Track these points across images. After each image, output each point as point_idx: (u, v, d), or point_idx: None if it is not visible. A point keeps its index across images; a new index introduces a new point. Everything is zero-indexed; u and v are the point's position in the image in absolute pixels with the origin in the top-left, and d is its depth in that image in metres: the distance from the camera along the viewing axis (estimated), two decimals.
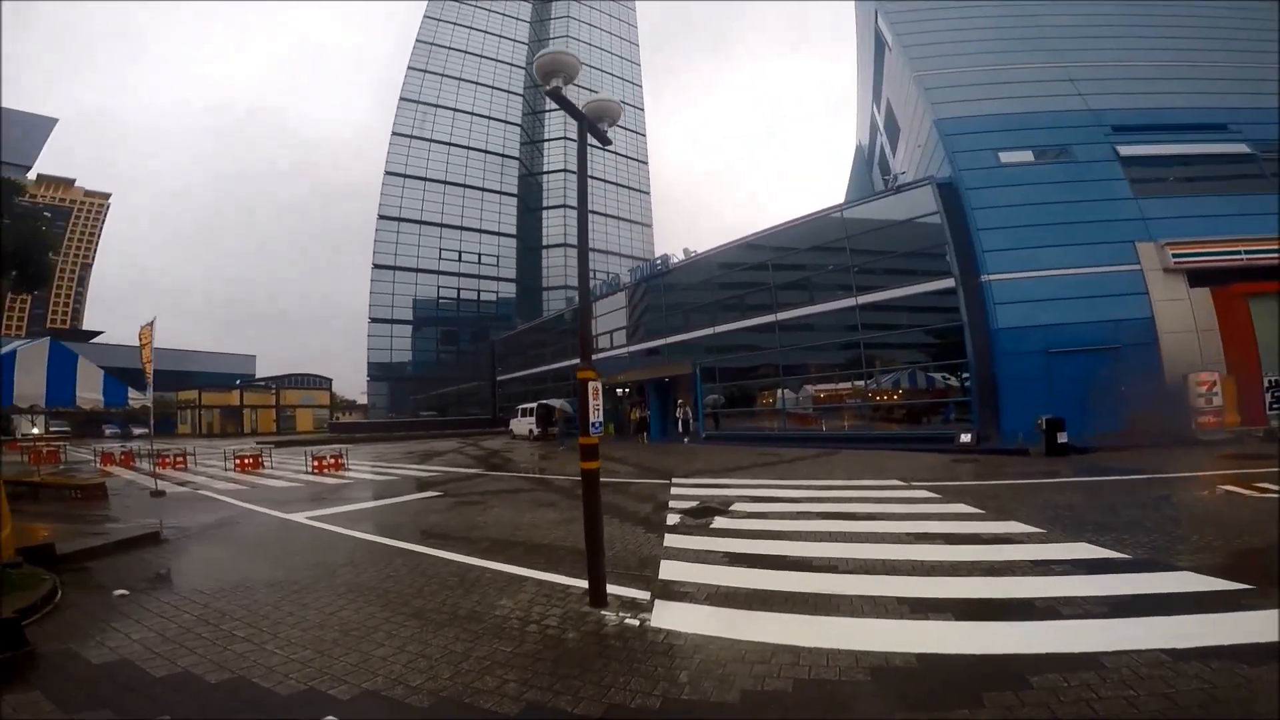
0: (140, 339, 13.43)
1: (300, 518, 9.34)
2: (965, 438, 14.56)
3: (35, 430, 53.47)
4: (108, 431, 60.10)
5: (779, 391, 21.04)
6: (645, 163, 71.21)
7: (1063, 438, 12.56)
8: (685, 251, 26.53)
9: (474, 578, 5.61)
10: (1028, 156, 18.66)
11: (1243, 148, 17.64)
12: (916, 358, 17.93)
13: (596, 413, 4.99)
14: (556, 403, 27.27)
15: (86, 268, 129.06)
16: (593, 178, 63.08)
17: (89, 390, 11.33)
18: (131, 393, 12.91)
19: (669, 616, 4.38)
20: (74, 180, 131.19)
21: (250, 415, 69.80)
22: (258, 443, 36.30)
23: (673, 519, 7.94)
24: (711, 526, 7.42)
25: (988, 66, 20.58)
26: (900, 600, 4.50)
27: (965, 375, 16.50)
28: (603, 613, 4.51)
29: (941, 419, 17.28)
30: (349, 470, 16.45)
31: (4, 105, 66.65)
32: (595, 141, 5.78)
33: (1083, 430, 13.39)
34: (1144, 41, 20.59)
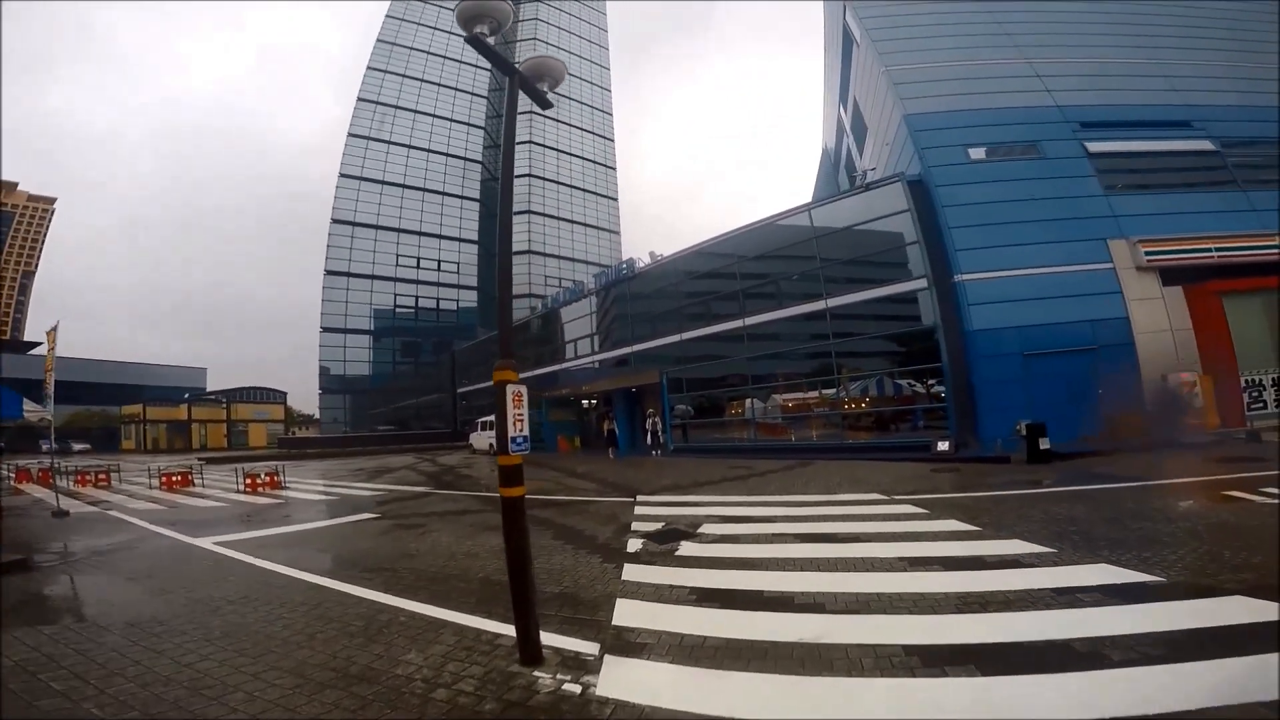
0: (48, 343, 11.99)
1: (207, 543, 8.15)
2: (943, 445, 13.95)
3: None
4: (44, 447, 56.07)
5: (747, 401, 20.30)
6: (613, 168, 70.52)
7: (1045, 443, 11.99)
8: (652, 255, 25.68)
9: (384, 622, 4.56)
10: (997, 154, 18.39)
11: (1207, 144, 17.69)
12: (886, 364, 17.34)
13: (520, 424, 4.01)
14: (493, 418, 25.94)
15: (29, 275, 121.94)
16: (557, 182, 62.29)
17: None
18: (28, 405, 11.50)
19: (620, 679, 3.40)
20: (16, 184, 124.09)
21: (199, 430, 66.26)
22: (199, 459, 34.11)
23: (634, 545, 6.92)
24: (678, 554, 6.43)
25: (957, 62, 20.38)
26: (907, 649, 3.58)
27: (935, 381, 15.96)
28: (535, 674, 3.51)
29: (910, 426, 16.75)
30: (286, 489, 15.00)
31: None
32: (536, 108, 4.99)
33: (1064, 435, 12.89)
34: (1110, 40, 20.73)
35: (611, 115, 73.71)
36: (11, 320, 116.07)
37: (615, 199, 68.90)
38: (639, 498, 10.61)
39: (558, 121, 65.08)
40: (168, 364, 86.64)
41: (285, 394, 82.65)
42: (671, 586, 5.23)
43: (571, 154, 65.36)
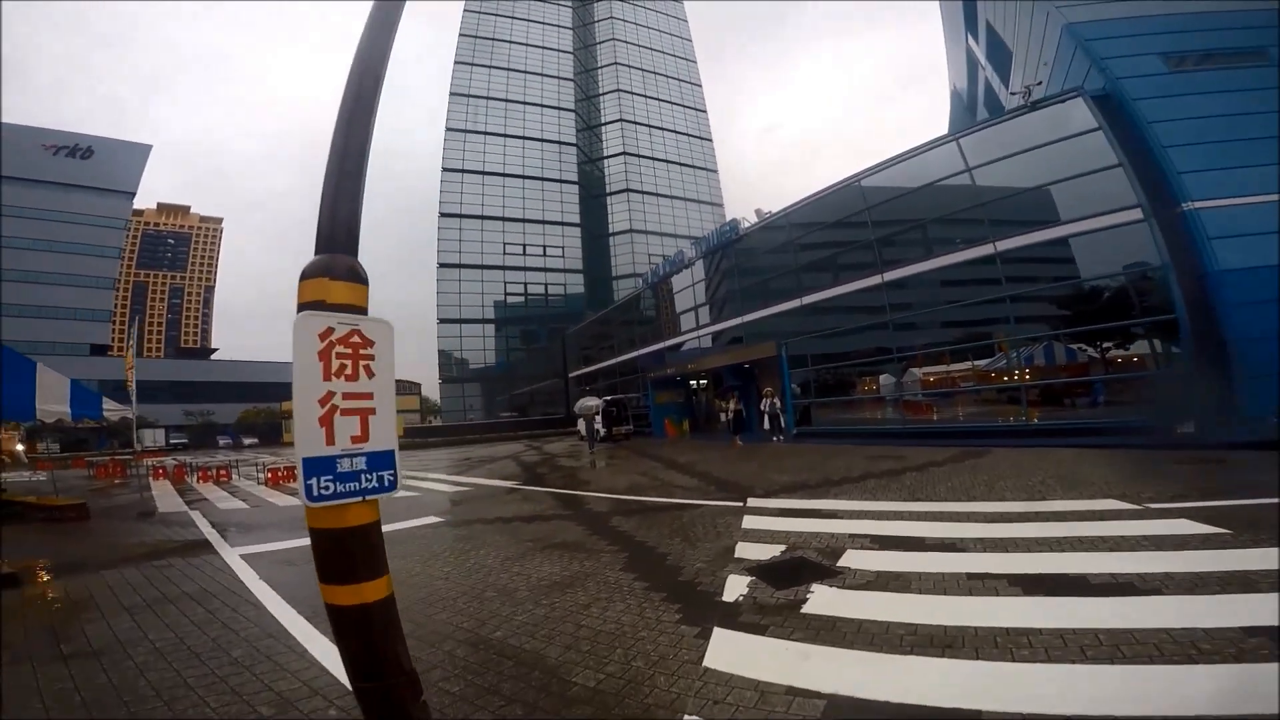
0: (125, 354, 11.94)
1: (235, 554, 7.03)
2: (1187, 427, 9.98)
3: (154, 443, 58.40)
4: (221, 442, 64.63)
5: (881, 377, 16.95)
6: (709, 140, 66.96)
7: None
8: (758, 213, 22.69)
9: None
10: (1205, 62, 14.06)
11: None
12: (1065, 323, 13.22)
13: (366, 422, 1.89)
14: (593, 401, 24.20)
15: (210, 289, 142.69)
16: (654, 158, 60.05)
17: (52, 402, 9.83)
18: (108, 404, 11.47)
19: None
20: (189, 207, 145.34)
21: None
22: None
23: (736, 586, 4.58)
24: (805, 609, 4.01)
25: None
26: None
27: (1157, 341, 11.74)
28: None
29: (1090, 401, 12.74)
30: None
31: (101, 135, 72.54)
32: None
33: None
34: None
35: (700, 86, 70.19)
36: (200, 330, 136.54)
37: (715, 171, 65.34)
38: (750, 501, 8.17)
39: (647, 98, 62.95)
40: None
41: (419, 385, 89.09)
42: (791, 693, 2.87)
43: (664, 129, 62.88)
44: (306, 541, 6.66)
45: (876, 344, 16.98)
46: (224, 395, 72.41)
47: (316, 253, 2.02)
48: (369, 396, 2.02)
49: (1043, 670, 2.98)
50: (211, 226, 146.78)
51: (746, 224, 22.58)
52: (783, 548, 5.59)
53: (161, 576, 6.10)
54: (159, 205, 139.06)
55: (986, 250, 14.09)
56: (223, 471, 17.98)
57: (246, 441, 64.69)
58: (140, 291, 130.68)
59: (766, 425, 17.20)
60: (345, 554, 1.93)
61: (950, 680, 2.95)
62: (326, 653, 3.76)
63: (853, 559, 5.04)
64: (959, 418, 15.33)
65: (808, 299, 18.39)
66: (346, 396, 1.94)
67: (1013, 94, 20.15)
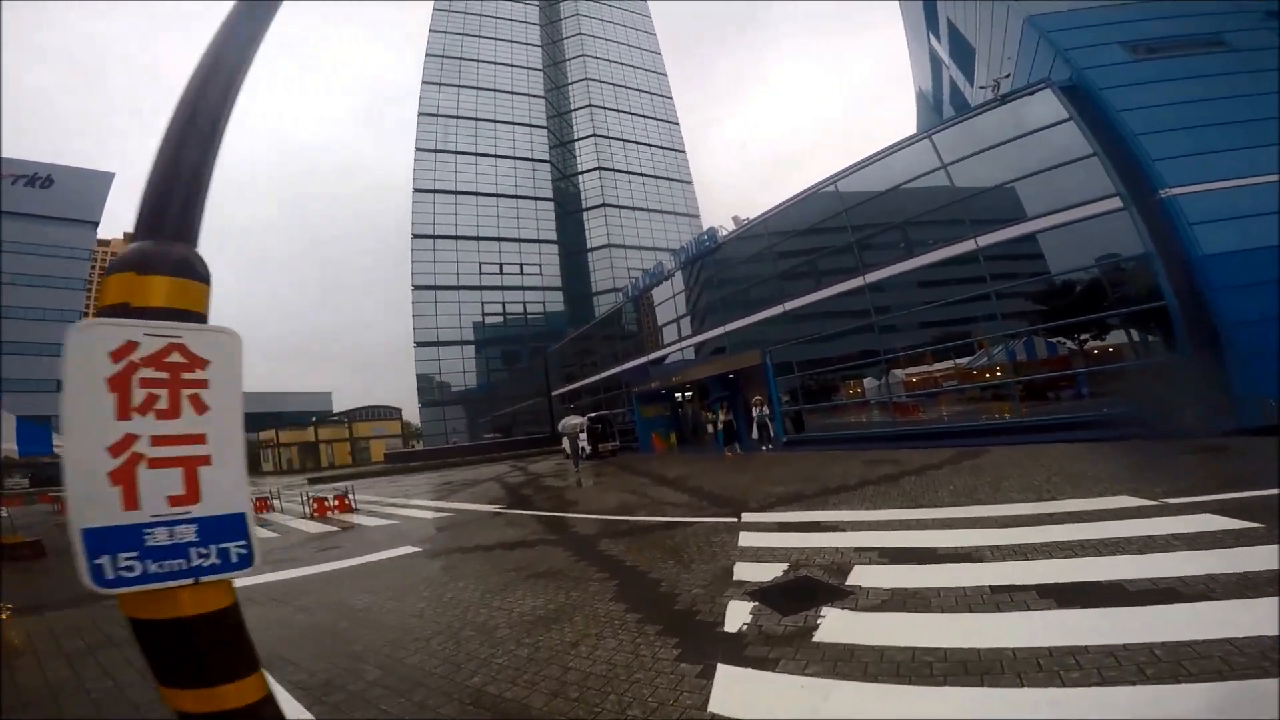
0: None
1: None
2: (1185, 416, 9.78)
3: None
4: None
5: (865, 380, 16.78)
6: (682, 151, 67.40)
7: None
8: (736, 220, 22.53)
9: None
10: (1165, 51, 14.20)
11: None
12: (1046, 317, 13.12)
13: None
14: (576, 419, 23.69)
15: None
16: (629, 172, 60.20)
17: None
18: (58, 439, 10.74)
19: None
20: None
21: (326, 450, 71.57)
22: (309, 478, 35.38)
23: (738, 614, 4.13)
24: (818, 638, 3.57)
25: None
26: None
27: (1120, 333, 11.66)
28: None
29: (1071, 394, 12.69)
30: (354, 512, 13.67)
31: (62, 164, 70.78)
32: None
33: None
34: None
35: (671, 99, 70.95)
36: None
37: (689, 182, 65.67)
38: (746, 516, 7.73)
39: (620, 112, 63.42)
40: (298, 391, 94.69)
41: (400, 410, 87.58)
42: None
43: (638, 142, 63.25)
44: (273, 577, 6.10)
45: (861, 347, 16.75)
46: None
47: (134, 239, 1.51)
48: (198, 439, 1.49)
49: (1104, 696, 2.57)
50: None
51: (725, 232, 22.42)
52: (785, 566, 5.15)
53: (111, 618, 5.47)
54: (125, 235, 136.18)
55: (968, 246, 13.98)
56: None
57: None
58: None
59: (756, 434, 16.84)
60: (188, 650, 1.42)
61: (997, 714, 2.53)
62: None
63: (862, 576, 4.62)
64: (944, 418, 15.10)
65: (790, 305, 18.16)
66: (160, 441, 1.41)
67: (981, 88, 20.39)
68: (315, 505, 13.89)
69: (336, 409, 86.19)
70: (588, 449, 23.23)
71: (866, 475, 9.95)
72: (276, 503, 16.46)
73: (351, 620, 5.08)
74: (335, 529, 11.36)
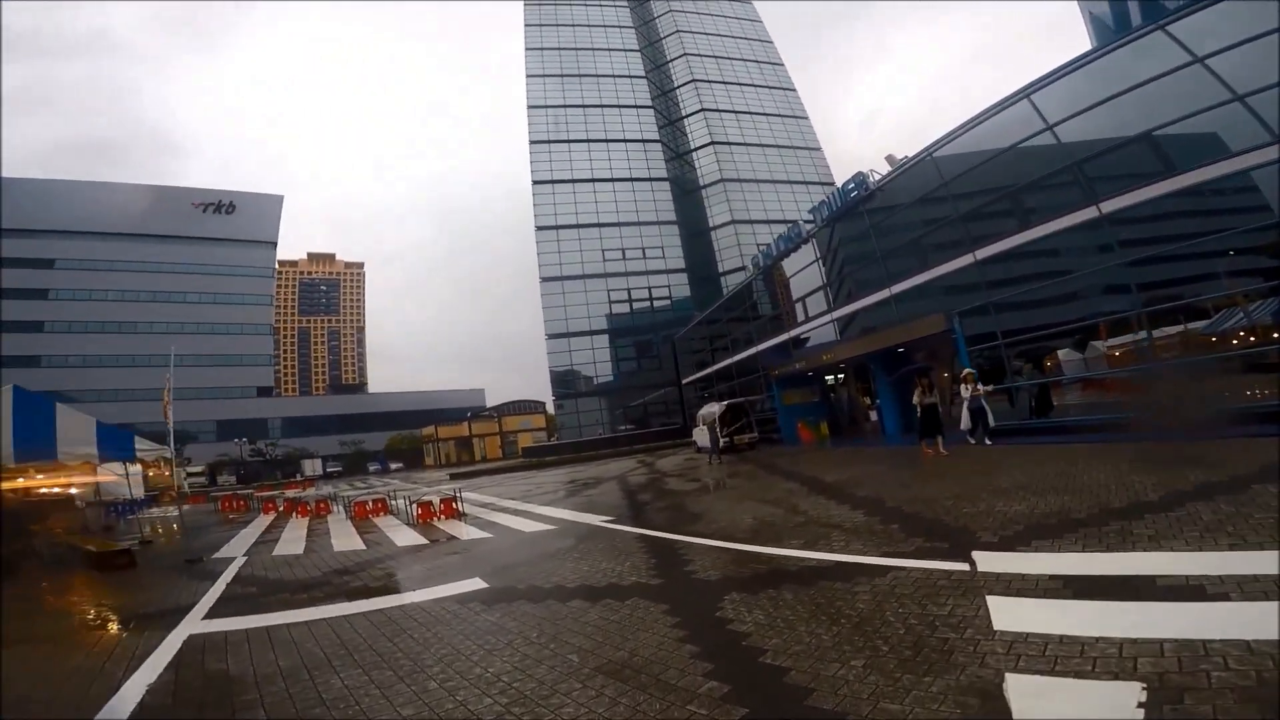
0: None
1: (187, 631, 5.43)
2: None
3: (314, 472, 63.88)
4: (371, 468, 69.77)
5: (1059, 353, 12.11)
6: (804, 117, 61.74)
7: None
8: (889, 160, 18.30)
9: None
10: None
11: None
12: None
13: None
14: (715, 407, 20.71)
15: (361, 330, 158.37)
16: (746, 144, 55.96)
17: (77, 444, 8.75)
18: (141, 444, 10.44)
19: None
20: (334, 254, 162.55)
21: (479, 444, 76.12)
22: (450, 473, 36.42)
23: None
24: None
25: None
26: None
27: None
28: None
29: None
30: (459, 518, 12.27)
31: (239, 189, 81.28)
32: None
33: None
34: None
35: (783, 65, 65.35)
36: (356, 368, 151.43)
37: (818, 149, 59.52)
38: (981, 558, 4.49)
39: (726, 84, 59.67)
40: (455, 389, 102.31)
41: (543, 404, 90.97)
42: None
43: (752, 112, 58.93)
44: (302, 616, 3.61)
45: (1091, 307, 12.09)
46: (375, 425, 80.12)
47: None
48: None
49: None
50: (355, 271, 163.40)
51: (876, 177, 18.29)
52: (1137, 692, 2.01)
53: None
54: (309, 255, 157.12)
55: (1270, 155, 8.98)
56: (322, 504, 16.93)
57: (393, 466, 69.43)
58: (304, 336, 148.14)
59: (968, 423, 12.45)
60: None
61: None
62: None
63: None
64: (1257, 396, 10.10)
65: (985, 251, 13.74)
66: None
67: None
68: (420, 511, 12.64)
69: (489, 404, 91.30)
70: (723, 440, 20.35)
71: (1168, 483, 6.07)
72: (395, 503, 15.68)
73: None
74: (424, 542, 9.79)
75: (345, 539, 11.16)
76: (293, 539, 11.92)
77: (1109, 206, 11.28)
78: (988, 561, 4.50)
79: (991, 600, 3.68)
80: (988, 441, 12.18)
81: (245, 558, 9.86)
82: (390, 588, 6.57)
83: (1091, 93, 11.84)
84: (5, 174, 65.81)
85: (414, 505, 12.97)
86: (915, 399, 12.13)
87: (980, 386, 12.28)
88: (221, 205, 79.50)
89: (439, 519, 12.51)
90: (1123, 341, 12.12)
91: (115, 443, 9.23)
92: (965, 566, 4.47)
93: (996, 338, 13.57)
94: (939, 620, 3.49)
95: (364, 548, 9.89)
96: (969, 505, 6.65)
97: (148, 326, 68.56)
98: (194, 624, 5.74)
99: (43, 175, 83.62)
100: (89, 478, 12.58)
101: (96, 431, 9.06)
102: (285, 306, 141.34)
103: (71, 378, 60.39)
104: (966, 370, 12.53)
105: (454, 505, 13.14)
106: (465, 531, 10.46)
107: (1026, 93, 13.02)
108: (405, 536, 10.66)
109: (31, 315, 64.15)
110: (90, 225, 69.82)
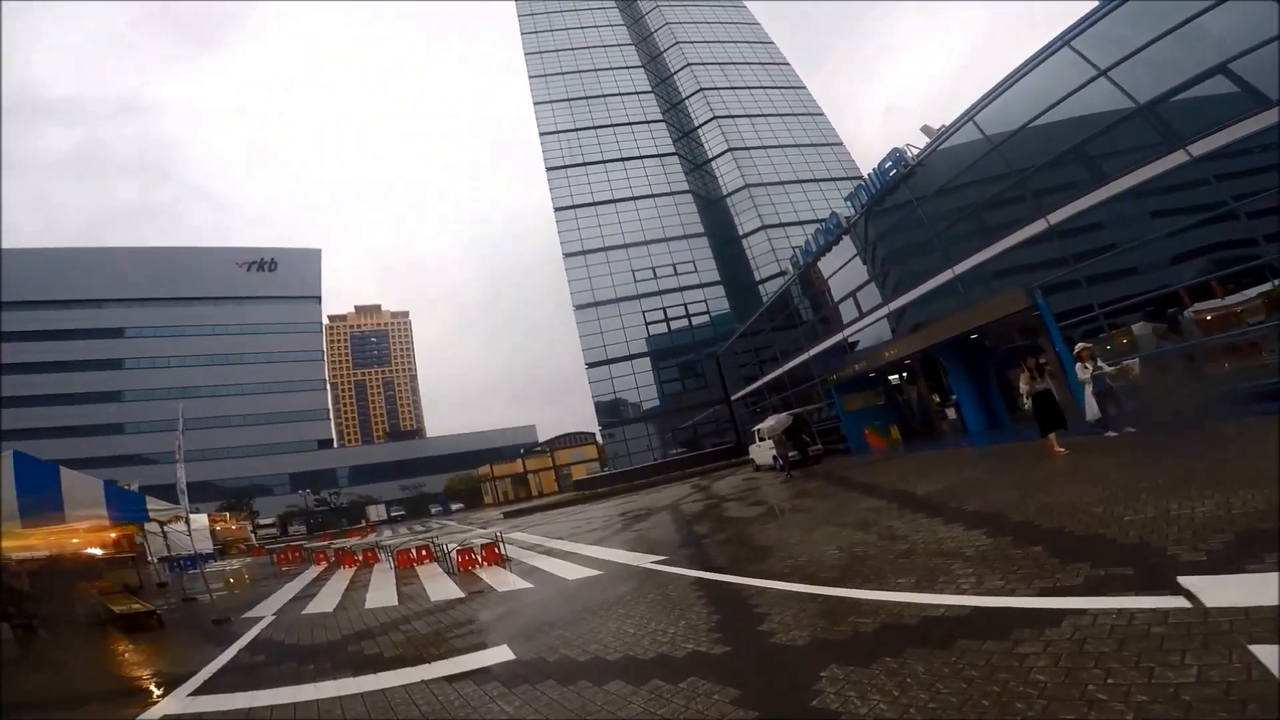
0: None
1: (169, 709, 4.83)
2: None
3: (378, 517, 64.61)
4: (433, 510, 70.38)
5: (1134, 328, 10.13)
6: (820, 114, 60.16)
7: None
8: (926, 131, 16.79)
9: None
10: None
11: None
12: None
13: None
14: (774, 420, 19.07)
15: (414, 377, 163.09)
16: (765, 147, 54.78)
17: (84, 506, 8.35)
18: (153, 504, 9.92)
19: None
20: (379, 305, 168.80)
21: (534, 479, 75.81)
22: (503, 512, 35.49)
23: None
24: None
25: None
26: None
27: None
28: None
29: None
30: (503, 563, 11.27)
31: (280, 246, 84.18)
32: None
33: None
34: None
35: (789, 65, 64.27)
36: (413, 414, 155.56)
37: (839, 143, 57.65)
38: (1197, 589, 3.04)
39: (735, 89, 59.07)
40: (507, 426, 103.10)
41: (593, 434, 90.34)
42: None
43: (765, 115, 57.81)
44: (289, 696, 4.31)
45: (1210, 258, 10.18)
46: (434, 468, 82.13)
47: None
48: None
49: None
50: (401, 320, 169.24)
51: (914, 151, 16.79)
52: None
53: None
54: (356, 308, 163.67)
55: None
56: (370, 554, 16.18)
57: (454, 507, 69.93)
58: (361, 388, 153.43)
59: (1093, 412, 10.33)
60: None
61: None
62: None
63: None
64: None
65: (1063, 212, 11.97)
66: None
67: None
68: (460, 559, 11.64)
69: (541, 439, 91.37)
70: (791, 452, 18.45)
71: None
72: (443, 546, 14.75)
73: None
74: (460, 596, 8.78)
75: (381, 592, 10.33)
76: (330, 594, 11.23)
77: (1201, 146, 9.48)
78: (1211, 590, 3.05)
79: (1259, 651, 2.29)
80: (1105, 431, 10.19)
81: (274, 617, 9.25)
82: (404, 658, 5.52)
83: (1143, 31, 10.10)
84: (61, 243, 71.83)
85: (454, 553, 11.98)
86: (1023, 386, 10.05)
87: (1103, 364, 10.29)
88: (264, 263, 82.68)
89: (480, 566, 11.51)
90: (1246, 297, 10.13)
91: (125, 504, 8.91)
92: (1180, 601, 3.04)
93: (1093, 309, 11.68)
94: (1186, 690, 2.13)
95: (396, 603, 8.96)
96: (1130, 511, 5.06)
97: (210, 390, 71.69)
98: (177, 701, 5.12)
99: (88, 244, 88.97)
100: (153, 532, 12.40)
101: (105, 493, 8.75)
102: (340, 361, 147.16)
103: (144, 442, 63.06)
104: (1082, 346, 10.45)
105: (495, 550, 12.12)
106: (506, 580, 9.38)
107: (1066, 39, 11.45)
108: (442, 589, 9.69)
109: (110, 386, 68.45)
110: (150, 292, 73.68)
